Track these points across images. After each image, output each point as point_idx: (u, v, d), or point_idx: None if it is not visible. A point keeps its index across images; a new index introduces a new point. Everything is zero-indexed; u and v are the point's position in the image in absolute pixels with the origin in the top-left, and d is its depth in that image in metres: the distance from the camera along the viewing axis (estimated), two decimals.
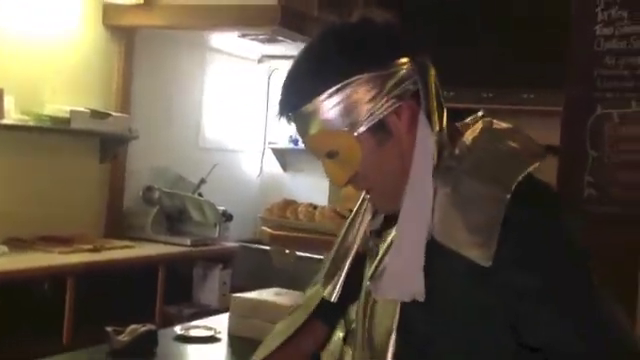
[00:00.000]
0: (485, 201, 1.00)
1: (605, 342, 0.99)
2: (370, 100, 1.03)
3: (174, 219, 4.33)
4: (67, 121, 3.60)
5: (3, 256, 3.21)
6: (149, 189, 4.22)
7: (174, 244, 4.08)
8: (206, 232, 4.26)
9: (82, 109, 3.72)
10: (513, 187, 0.99)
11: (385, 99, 1.03)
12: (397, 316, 1.04)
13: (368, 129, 1.04)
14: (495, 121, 1.11)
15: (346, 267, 1.17)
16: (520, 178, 1.00)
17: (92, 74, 4.00)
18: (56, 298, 3.31)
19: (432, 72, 1.07)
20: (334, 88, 1.04)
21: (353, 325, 1.17)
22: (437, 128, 1.06)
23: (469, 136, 1.08)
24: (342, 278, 1.16)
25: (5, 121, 3.32)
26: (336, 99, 1.04)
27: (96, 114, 3.78)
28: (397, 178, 1.07)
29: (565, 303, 0.99)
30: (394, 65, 1.04)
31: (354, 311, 1.20)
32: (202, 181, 4.44)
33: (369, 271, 1.13)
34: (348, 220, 1.24)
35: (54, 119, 3.56)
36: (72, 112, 3.62)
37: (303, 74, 1.08)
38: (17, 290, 3.22)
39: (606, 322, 1.00)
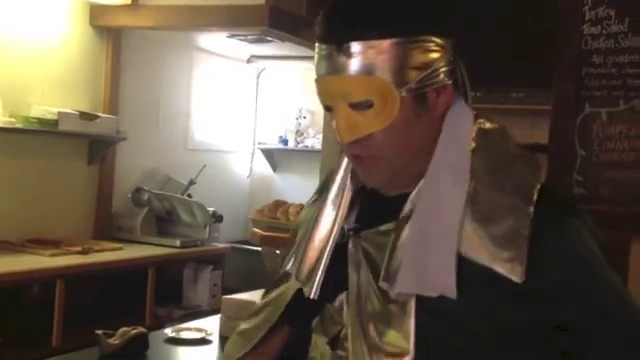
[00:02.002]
0: (507, 213, 0.96)
1: None
2: (425, 66, 0.98)
3: (163, 220, 4.32)
4: (55, 123, 3.58)
5: None
6: (138, 190, 4.21)
7: (164, 245, 4.07)
8: (196, 233, 4.25)
9: (70, 111, 3.70)
10: (535, 198, 0.97)
11: (438, 71, 0.99)
12: (413, 320, 0.98)
13: (413, 95, 0.99)
14: (486, 120, 1.08)
15: (323, 263, 1.09)
16: (538, 186, 0.99)
17: (80, 75, 3.98)
18: (45, 301, 3.30)
19: (463, 63, 1.05)
20: (408, 37, 0.97)
21: (343, 330, 1.07)
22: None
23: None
24: (320, 274, 1.09)
25: None
26: (401, 50, 0.97)
27: (84, 116, 3.76)
28: (411, 156, 1.02)
29: (609, 316, 0.98)
30: (447, 45, 1.01)
31: (333, 314, 1.10)
32: (191, 182, 4.43)
33: (362, 276, 1.05)
34: (311, 210, 1.17)
35: (42, 121, 3.54)
36: (60, 114, 3.60)
37: (377, 4, 0.99)
38: (6, 293, 3.20)
39: None
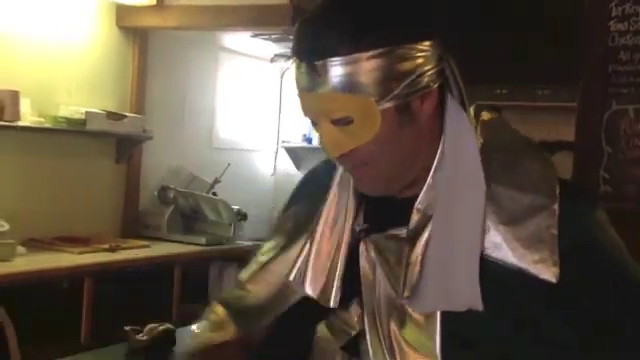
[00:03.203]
0: (532, 213, 0.94)
1: None
2: (406, 75, 0.93)
3: (189, 218, 4.36)
4: (83, 122, 3.63)
5: (21, 257, 3.24)
6: (164, 189, 4.25)
7: (189, 243, 4.10)
8: (221, 231, 4.28)
9: (97, 110, 3.75)
10: (557, 194, 0.95)
11: (422, 78, 0.94)
12: (438, 325, 0.95)
13: (395, 107, 0.94)
14: (483, 112, 1.05)
15: (339, 268, 1.04)
16: (557, 185, 0.96)
17: (106, 76, 4.03)
18: (74, 298, 3.34)
19: (454, 62, 1.00)
20: (384, 49, 0.92)
21: (352, 332, 1.04)
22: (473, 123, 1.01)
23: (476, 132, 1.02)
24: (337, 280, 1.04)
25: (21, 123, 3.35)
26: (378, 62, 0.92)
27: (111, 115, 3.80)
28: (402, 164, 0.99)
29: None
30: (433, 45, 0.96)
31: (345, 318, 1.05)
32: (216, 180, 4.46)
33: (376, 278, 1.02)
34: (298, 207, 1.15)
35: (70, 121, 3.59)
36: (88, 113, 3.65)
37: (350, 18, 0.94)
38: (35, 290, 3.25)
39: None
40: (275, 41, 4.32)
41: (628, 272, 0.97)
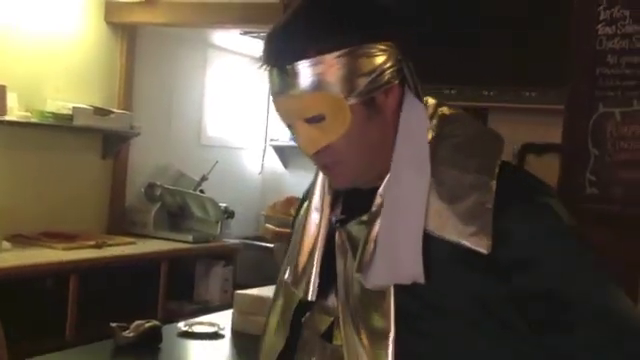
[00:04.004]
0: (471, 190, 1.00)
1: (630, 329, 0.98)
2: (369, 72, 1.01)
3: (176, 216, 4.35)
4: (70, 118, 3.61)
5: (6, 252, 3.23)
6: (151, 186, 4.24)
7: (176, 240, 4.10)
8: (208, 229, 4.28)
9: (85, 106, 3.73)
10: (496, 172, 1.01)
11: (383, 75, 1.02)
12: (392, 300, 1.01)
13: (362, 101, 1.02)
14: (446, 107, 1.11)
15: (316, 260, 1.11)
16: (499, 162, 1.02)
17: (94, 71, 4.01)
18: (59, 294, 3.33)
19: (411, 62, 1.07)
20: (347, 49, 1.01)
21: (329, 319, 1.11)
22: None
23: (432, 125, 1.08)
24: (315, 274, 1.10)
25: (8, 118, 3.33)
26: (343, 61, 1.00)
27: (98, 111, 3.79)
28: (372, 156, 1.06)
29: (583, 295, 0.98)
30: (392, 46, 1.04)
31: (323, 306, 1.12)
32: (203, 178, 4.45)
33: (347, 263, 1.08)
34: (302, 210, 1.19)
35: (57, 116, 3.57)
36: (75, 109, 3.63)
37: (315, 23, 1.03)
38: (20, 286, 3.23)
39: (629, 314, 0.99)
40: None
41: (566, 244, 1.00)
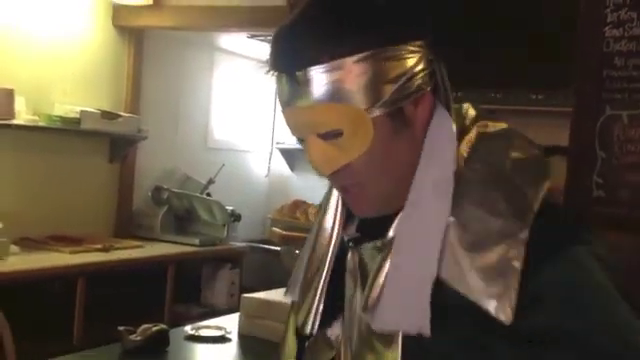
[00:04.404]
0: (498, 239, 0.83)
1: None
2: (396, 78, 0.86)
3: (183, 219, 4.36)
4: (77, 121, 3.62)
5: (14, 256, 3.24)
6: (158, 189, 4.24)
7: (183, 244, 4.10)
8: (214, 232, 4.28)
9: (92, 110, 3.75)
10: (531, 220, 0.83)
11: (413, 81, 0.87)
12: (399, 348, 0.87)
13: (387, 113, 0.86)
14: (489, 122, 0.94)
15: (320, 290, 0.98)
16: (536, 208, 0.84)
17: (102, 75, 4.02)
18: (66, 298, 3.34)
19: (444, 65, 0.92)
20: (369, 52, 0.85)
21: (330, 354, 1.00)
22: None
23: (465, 145, 0.91)
24: (316, 305, 0.98)
25: (16, 121, 3.34)
26: (364, 66, 0.84)
27: (106, 115, 3.80)
28: (399, 178, 0.90)
29: None
30: (423, 45, 0.89)
31: (328, 337, 1.00)
32: (210, 181, 4.46)
33: (356, 292, 0.94)
34: (317, 220, 1.04)
35: (64, 119, 3.59)
36: (82, 112, 3.65)
37: (329, 22, 0.87)
38: (28, 290, 3.24)
39: None
40: None
41: (601, 316, 0.82)
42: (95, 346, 2.13)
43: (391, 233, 0.91)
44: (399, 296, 0.88)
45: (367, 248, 0.94)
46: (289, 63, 0.87)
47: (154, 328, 2.00)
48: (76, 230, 3.82)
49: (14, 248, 3.28)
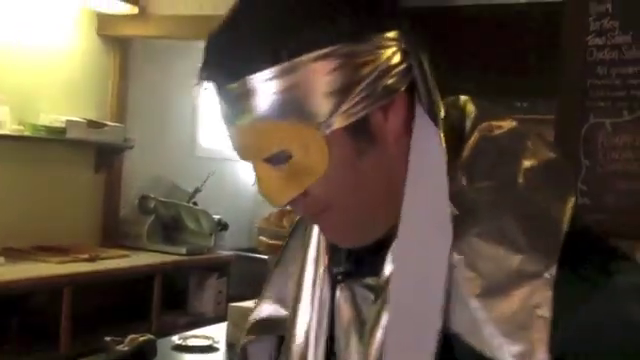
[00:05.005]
0: (518, 281, 0.66)
1: None
2: (347, 86, 0.68)
3: (170, 228, 4.34)
4: (63, 131, 3.61)
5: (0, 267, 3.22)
6: (144, 198, 4.23)
7: (170, 253, 4.09)
8: (201, 241, 4.27)
9: (78, 119, 3.73)
10: (557, 257, 0.65)
11: (370, 88, 0.69)
12: None
13: (344, 128, 0.69)
14: (493, 122, 0.76)
15: (313, 336, 0.83)
16: (563, 235, 0.67)
17: (87, 84, 4.01)
18: (53, 308, 3.32)
19: (426, 57, 0.73)
20: (298, 59, 0.68)
21: None
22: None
23: (466, 157, 0.73)
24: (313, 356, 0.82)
25: (1, 131, 3.33)
26: (299, 76, 0.68)
27: (92, 124, 3.79)
28: (373, 203, 0.74)
29: None
30: (380, 39, 0.70)
31: None
32: (197, 190, 4.45)
33: (350, 341, 0.80)
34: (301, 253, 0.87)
35: (50, 129, 3.57)
36: (68, 122, 3.63)
37: (254, 32, 0.71)
38: (13, 300, 3.22)
39: None
40: None
41: None
42: (82, 356, 2.12)
43: (386, 272, 0.74)
44: (401, 355, 0.72)
45: (358, 287, 0.80)
46: (221, 73, 0.73)
47: (141, 338, 1.99)
48: (62, 240, 3.80)
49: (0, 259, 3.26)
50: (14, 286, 3.11)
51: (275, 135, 0.71)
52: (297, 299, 0.85)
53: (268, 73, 0.69)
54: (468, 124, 0.76)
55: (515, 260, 0.66)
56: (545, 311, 0.64)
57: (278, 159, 0.72)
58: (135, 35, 4.09)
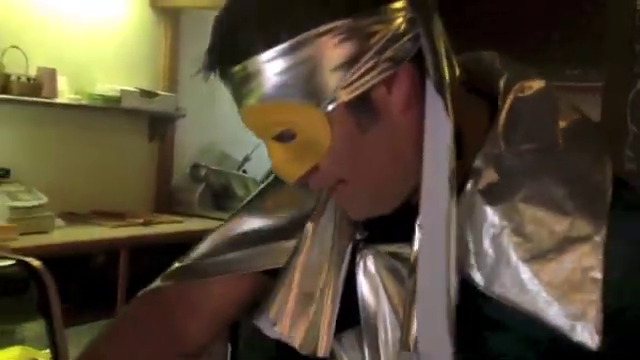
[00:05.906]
0: (567, 246, 0.66)
1: None
2: (349, 62, 0.69)
3: (220, 195, 4.45)
4: (118, 100, 3.72)
5: (59, 229, 3.36)
6: (196, 166, 4.34)
7: (220, 219, 4.15)
8: None
9: (132, 88, 3.84)
10: (605, 220, 0.66)
11: (372, 62, 0.69)
12: None
13: (346, 104, 0.70)
14: (524, 82, 0.75)
15: (330, 301, 0.82)
16: (609, 195, 0.67)
17: (140, 54, 4.12)
18: (110, 269, 3.46)
19: (439, 26, 0.71)
20: (298, 38, 0.69)
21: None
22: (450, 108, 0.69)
23: (503, 120, 0.72)
24: (328, 322, 0.81)
25: (59, 100, 3.45)
26: (299, 55, 0.69)
27: (145, 93, 3.90)
28: (384, 175, 0.74)
29: None
30: (385, 11, 0.69)
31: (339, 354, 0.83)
32: (246, 158, 4.54)
33: (380, 308, 0.78)
34: (311, 220, 0.86)
35: (105, 98, 3.69)
36: (122, 91, 3.75)
37: (253, 14, 0.72)
38: (73, 262, 3.36)
39: None
40: None
41: None
42: None
43: (417, 235, 0.72)
44: (428, 330, 0.71)
45: (383, 254, 0.79)
46: (224, 56, 0.75)
47: None
48: (117, 206, 3.94)
49: (59, 222, 3.40)
50: (74, 248, 3.25)
51: (279, 115, 0.73)
52: (303, 263, 0.84)
53: (269, 54, 0.70)
54: (501, 84, 0.75)
55: (564, 224, 0.67)
56: (597, 273, 0.65)
57: (284, 137, 0.75)
58: (186, 6, 4.17)
